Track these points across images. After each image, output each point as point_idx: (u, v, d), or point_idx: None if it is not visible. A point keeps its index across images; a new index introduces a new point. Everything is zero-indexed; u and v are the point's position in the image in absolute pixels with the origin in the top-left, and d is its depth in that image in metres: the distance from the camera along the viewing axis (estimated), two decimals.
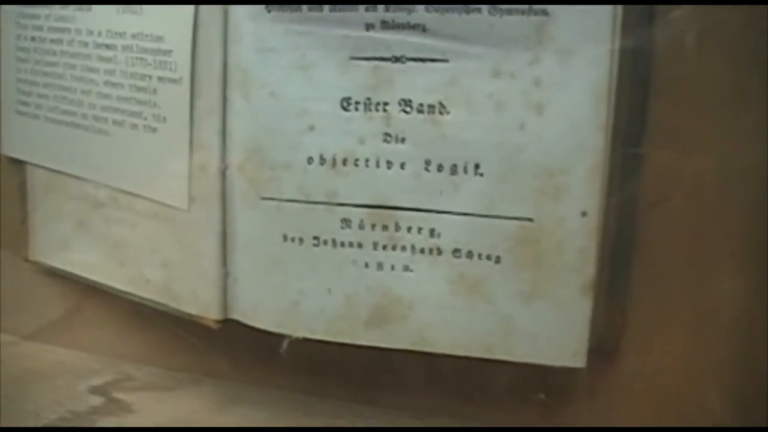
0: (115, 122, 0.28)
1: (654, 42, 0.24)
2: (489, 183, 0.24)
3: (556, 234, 0.24)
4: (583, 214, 0.23)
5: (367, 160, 0.25)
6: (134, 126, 0.28)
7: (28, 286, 0.34)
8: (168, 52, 0.27)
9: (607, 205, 0.24)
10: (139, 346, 0.33)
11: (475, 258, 0.24)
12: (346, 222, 0.25)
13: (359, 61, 0.24)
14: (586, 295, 0.24)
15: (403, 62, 0.24)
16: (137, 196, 0.28)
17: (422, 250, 0.25)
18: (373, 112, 0.24)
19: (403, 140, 0.24)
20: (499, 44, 0.23)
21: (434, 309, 0.25)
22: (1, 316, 0.34)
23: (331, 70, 0.24)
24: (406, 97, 0.24)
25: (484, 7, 0.23)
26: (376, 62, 0.24)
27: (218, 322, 0.27)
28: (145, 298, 0.29)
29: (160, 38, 0.27)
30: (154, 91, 0.27)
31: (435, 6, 0.23)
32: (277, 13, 0.25)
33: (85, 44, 0.29)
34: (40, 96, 0.31)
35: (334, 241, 0.25)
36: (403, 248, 0.25)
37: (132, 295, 0.30)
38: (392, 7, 0.24)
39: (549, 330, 0.24)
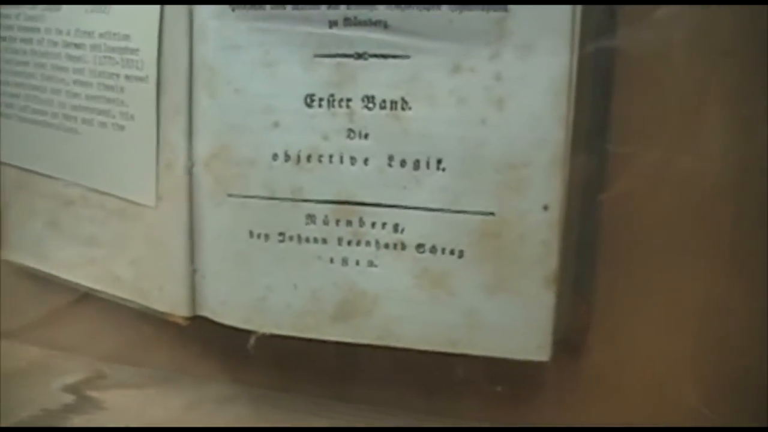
0: (84, 121, 0.29)
1: (615, 35, 0.25)
2: (451, 177, 0.24)
3: (519, 227, 0.24)
4: (545, 207, 0.24)
5: (331, 156, 0.25)
6: (103, 124, 0.28)
7: (1, 284, 0.34)
8: (135, 51, 0.27)
9: (569, 198, 0.24)
10: (111, 345, 0.33)
11: (439, 252, 0.25)
12: (311, 218, 0.25)
13: (323, 58, 0.24)
14: (549, 288, 0.24)
15: (365, 59, 0.24)
16: (106, 194, 0.29)
17: (386, 245, 0.25)
18: (337, 109, 0.25)
19: (366, 136, 0.24)
20: (460, 40, 0.23)
21: (399, 303, 0.25)
22: None
23: (295, 67, 0.25)
24: (369, 93, 0.24)
25: (444, 4, 0.23)
26: (339, 59, 0.24)
27: (187, 318, 0.28)
28: (115, 295, 0.29)
29: (127, 37, 0.27)
30: (122, 90, 0.27)
31: (396, 3, 0.23)
32: (241, 11, 0.25)
33: (55, 44, 0.29)
34: (11, 95, 0.31)
35: (299, 237, 0.25)
36: (368, 243, 0.25)
37: (103, 293, 0.30)
38: (354, 4, 0.24)
39: (513, 323, 0.24)
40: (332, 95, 0.25)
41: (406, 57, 0.24)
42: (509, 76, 0.23)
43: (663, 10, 0.24)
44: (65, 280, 0.31)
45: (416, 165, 0.24)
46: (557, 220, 0.24)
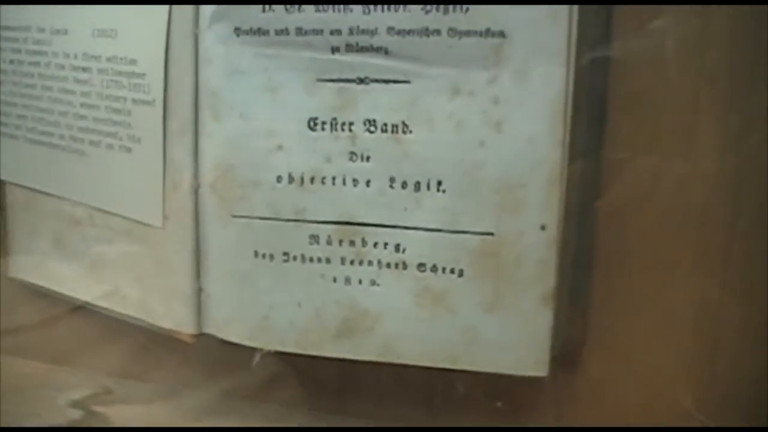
0: (91, 143, 0.29)
1: (610, 57, 0.25)
2: (451, 199, 0.25)
3: (517, 247, 0.24)
4: (542, 227, 0.24)
5: (333, 178, 0.25)
6: (110, 146, 0.29)
7: (7, 300, 0.34)
8: (141, 75, 0.27)
9: (566, 217, 0.25)
10: (117, 360, 0.33)
11: (439, 271, 0.25)
12: (314, 238, 0.26)
13: (325, 83, 0.25)
14: (546, 306, 0.25)
15: (366, 83, 0.25)
16: (113, 214, 0.29)
17: (388, 265, 0.26)
18: (339, 132, 0.25)
19: (368, 158, 0.25)
20: (458, 65, 0.24)
21: (400, 321, 0.26)
22: None
23: (299, 92, 0.25)
24: (371, 116, 0.25)
25: (443, 30, 0.24)
26: (341, 84, 0.25)
27: (193, 336, 0.28)
28: (122, 313, 0.30)
29: (133, 62, 0.28)
30: (129, 113, 0.28)
31: (396, 29, 0.24)
32: (245, 36, 0.26)
33: (62, 67, 0.30)
34: (19, 117, 0.32)
35: (303, 257, 0.26)
36: (370, 263, 0.26)
37: (109, 310, 0.30)
38: (356, 30, 0.24)
39: (511, 340, 0.25)
40: (335, 119, 0.25)
41: (407, 82, 0.25)
42: (507, 99, 0.24)
43: (658, 22, 0.25)
44: (71, 298, 0.32)
45: (417, 186, 0.25)
46: (554, 240, 0.24)
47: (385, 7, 0.24)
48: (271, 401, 0.31)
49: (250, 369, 0.27)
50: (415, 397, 0.29)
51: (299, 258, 0.26)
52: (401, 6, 0.24)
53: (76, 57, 0.29)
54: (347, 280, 0.26)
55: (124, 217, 0.29)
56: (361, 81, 0.25)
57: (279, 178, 0.26)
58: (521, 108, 0.24)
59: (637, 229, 0.26)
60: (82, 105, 0.29)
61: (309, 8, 0.25)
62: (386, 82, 0.25)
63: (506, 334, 0.25)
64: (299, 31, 0.25)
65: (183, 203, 0.27)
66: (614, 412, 0.27)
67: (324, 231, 0.26)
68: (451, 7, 0.24)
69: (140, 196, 0.28)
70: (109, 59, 0.28)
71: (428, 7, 0.24)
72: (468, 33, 0.24)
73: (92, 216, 0.30)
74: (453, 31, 0.24)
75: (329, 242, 0.26)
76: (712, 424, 0.26)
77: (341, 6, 0.24)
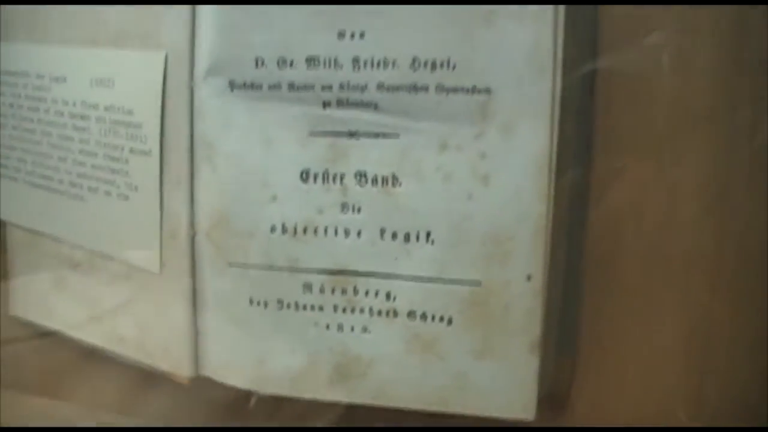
0: (90, 189, 0.30)
1: (593, 109, 0.26)
2: (440, 249, 0.25)
3: (504, 296, 0.25)
4: (529, 277, 0.25)
5: (326, 229, 0.26)
6: (108, 193, 0.29)
7: (7, 338, 0.35)
8: (138, 125, 0.28)
9: (553, 264, 0.25)
10: (116, 399, 0.34)
11: (429, 319, 0.26)
12: (307, 286, 0.27)
13: (317, 136, 0.26)
14: (533, 353, 0.25)
15: (357, 137, 0.26)
16: (112, 258, 0.30)
17: (379, 313, 0.26)
18: (331, 184, 0.26)
19: (359, 210, 0.26)
20: (446, 120, 0.25)
21: (392, 367, 0.26)
22: None
23: (292, 145, 0.26)
24: (361, 169, 0.26)
25: (431, 87, 0.25)
26: (332, 137, 0.26)
27: (190, 378, 0.29)
28: (120, 355, 0.31)
29: (130, 112, 0.28)
30: (126, 161, 0.29)
31: (386, 86, 0.25)
32: (239, 90, 0.26)
33: (61, 114, 0.30)
34: (19, 160, 0.32)
35: (296, 305, 0.27)
36: (362, 311, 0.26)
37: (108, 351, 0.31)
38: (346, 86, 0.25)
39: (500, 385, 0.26)
40: (327, 171, 0.26)
41: (396, 136, 0.25)
42: (493, 154, 0.25)
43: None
44: (71, 337, 0.32)
45: (407, 237, 0.26)
46: (540, 290, 0.25)
47: (375, 64, 0.25)
48: None
49: (246, 410, 0.28)
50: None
51: (293, 305, 0.27)
52: (390, 63, 0.25)
53: (74, 104, 0.30)
54: (340, 327, 0.27)
55: (122, 262, 0.30)
56: (352, 135, 0.26)
57: (273, 228, 0.27)
58: (507, 162, 0.25)
59: (624, 276, 0.27)
60: (81, 152, 0.30)
61: (301, 64, 0.25)
62: (376, 136, 0.25)
63: (495, 380, 0.26)
64: (291, 86, 0.26)
65: (180, 250, 0.28)
66: None
67: (317, 279, 0.27)
68: (438, 64, 0.24)
69: (138, 242, 0.29)
70: (106, 108, 0.29)
71: (416, 64, 0.25)
72: (455, 89, 0.25)
73: (91, 259, 0.31)
74: (440, 88, 0.25)
75: (322, 290, 0.27)
76: None
77: (332, 62, 0.25)
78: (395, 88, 0.25)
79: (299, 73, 0.26)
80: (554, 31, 0.24)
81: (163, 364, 0.29)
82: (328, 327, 0.27)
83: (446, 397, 0.26)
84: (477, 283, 0.25)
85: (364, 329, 0.26)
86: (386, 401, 0.27)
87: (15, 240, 0.34)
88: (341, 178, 0.26)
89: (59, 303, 0.33)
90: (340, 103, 0.25)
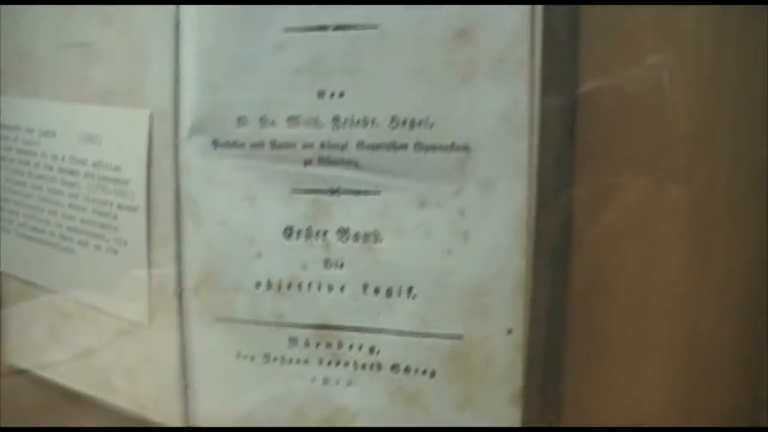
0: (79, 242, 0.30)
1: (572, 158, 0.27)
2: (422, 304, 0.26)
3: (485, 350, 0.26)
4: (509, 331, 0.25)
5: (309, 284, 0.27)
6: (97, 247, 0.30)
7: (6, 387, 0.36)
8: (125, 182, 0.29)
9: (534, 317, 0.26)
10: None
11: (412, 373, 0.26)
12: (293, 340, 0.27)
13: (300, 194, 0.26)
14: (515, 405, 0.26)
15: (339, 194, 0.26)
16: (102, 310, 0.30)
17: (363, 366, 0.27)
18: (314, 240, 0.26)
19: (341, 266, 0.26)
20: (425, 178, 0.25)
21: (377, 418, 0.27)
22: None
23: (275, 202, 0.27)
24: (344, 225, 0.26)
25: (410, 144, 0.25)
26: (314, 195, 0.26)
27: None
28: (113, 404, 0.31)
29: (118, 168, 0.29)
30: (115, 217, 0.29)
31: (366, 144, 0.25)
32: (222, 149, 0.27)
33: (51, 168, 0.31)
34: (11, 212, 0.33)
35: (282, 358, 0.27)
36: (346, 364, 0.27)
37: (101, 401, 0.31)
38: (327, 144, 0.26)
39: None
40: (309, 228, 0.26)
41: (377, 193, 0.26)
42: (472, 210, 0.25)
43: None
44: (65, 386, 0.33)
45: (389, 292, 0.26)
46: (520, 343, 0.25)
47: (355, 122, 0.25)
48: None
49: None
50: None
51: (279, 359, 0.27)
52: (370, 122, 0.25)
53: (63, 159, 0.30)
54: (325, 381, 0.27)
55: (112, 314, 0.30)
56: (334, 192, 0.26)
57: (258, 284, 0.27)
58: (486, 218, 0.25)
59: (605, 322, 0.27)
60: (71, 206, 0.30)
61: (282, 123, 0.26)
62: (357, 193, 0.26)
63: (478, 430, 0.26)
64: (273, 144, 0.26)
65: (168, 304, 0.28)
66: None
67: (302, 334, 0.27)
68: (417, 123, 0.25)
69: (127, 295, 0.29)
70: (95, 164, 0.29)
71: (395, 122, 0.25)
72: (433, 147, 0.25)
73: (82, 310, 0.31)
74: (419, 146, 0.25)
75: (307, 344, 0.27)
76: None
77: (313, 121, 0.26)
78: (375, 147, 0.25)
79: (281, 132, 0.26)
80: (530, 89, 0.24)
81: (155, 415, 0.30)
82: (313, 380, 0.27)
83: None
84: (458, 337, 0.26)
85: (349, 382, 0.27)
86: None
87: (10, 290, 0.34)
88: (324, 234, 0.26)
89: (52, 352, 0.33)
90: (322, 161, 0.26)
